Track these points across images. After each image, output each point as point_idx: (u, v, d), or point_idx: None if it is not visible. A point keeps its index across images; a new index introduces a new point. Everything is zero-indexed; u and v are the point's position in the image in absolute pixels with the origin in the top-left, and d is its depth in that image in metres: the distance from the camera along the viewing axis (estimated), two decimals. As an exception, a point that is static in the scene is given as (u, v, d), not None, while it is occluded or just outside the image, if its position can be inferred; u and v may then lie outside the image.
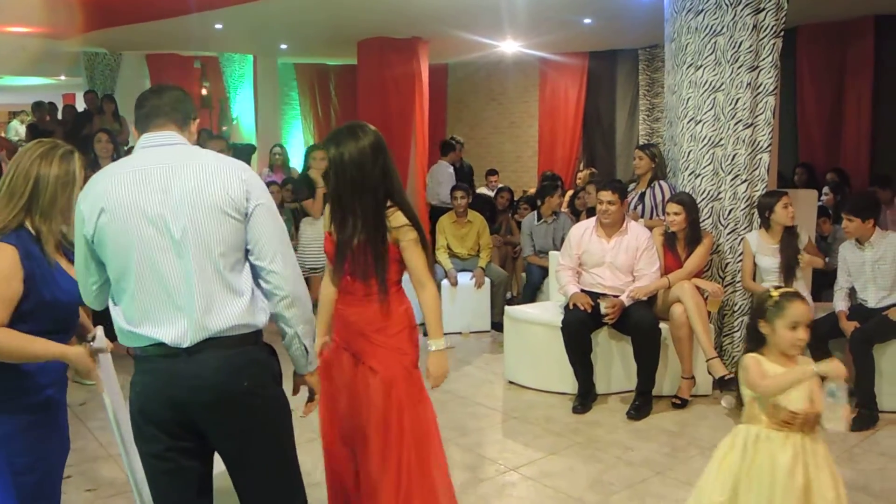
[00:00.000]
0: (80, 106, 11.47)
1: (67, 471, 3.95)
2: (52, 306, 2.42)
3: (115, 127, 9.66)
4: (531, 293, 6.87)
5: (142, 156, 2.20)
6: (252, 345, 2.20)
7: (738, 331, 5.29)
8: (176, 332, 2.10)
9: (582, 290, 4.98)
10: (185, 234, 2.09)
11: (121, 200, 2.11)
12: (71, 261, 2.51)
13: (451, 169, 9.62)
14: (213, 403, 2.14)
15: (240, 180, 2.16)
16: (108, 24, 9.17)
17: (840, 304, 4.89)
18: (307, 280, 5.67)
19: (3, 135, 12.81)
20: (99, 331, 2.51)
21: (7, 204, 2.40)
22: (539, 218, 7.05)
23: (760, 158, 5.16)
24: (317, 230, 6.39)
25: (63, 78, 15.38)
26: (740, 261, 5.21)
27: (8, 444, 2.41)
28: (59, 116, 11.04)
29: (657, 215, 5.47)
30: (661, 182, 5.51)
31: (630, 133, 11.36)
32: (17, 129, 15.97)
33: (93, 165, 6.00)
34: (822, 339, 4.70)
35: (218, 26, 9.27)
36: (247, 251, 2.21)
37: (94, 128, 9.41)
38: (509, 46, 10.67)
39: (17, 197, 2.41)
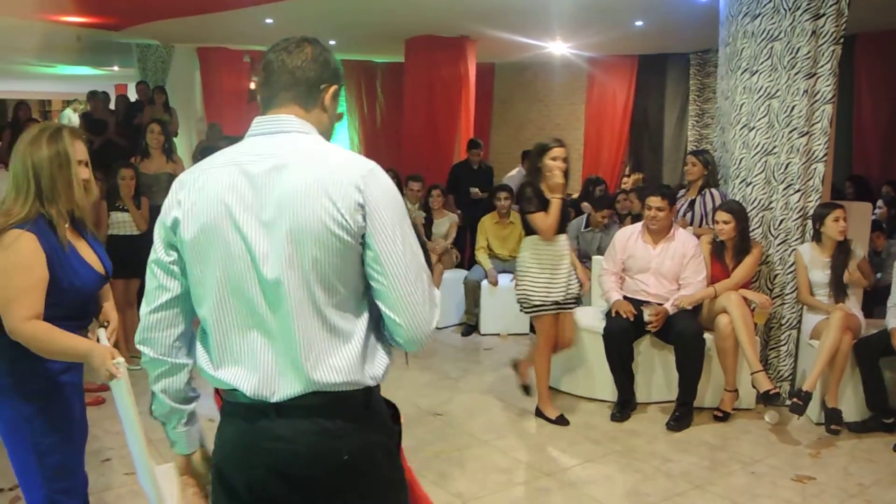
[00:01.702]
0: (133, 96, 11.65)
1: (107, 453, 4.05)
2: (67, 292, 2.43)
3: (165, 117, 9.79)
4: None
5: (245, 146, 1.71)
6: (361, 406, 1.68)
7: (784, 345, 5.16)
8: (259, 380, 1.63)
9: (625, 297, 4.90)
10: (280, 255, 1.60)
11: (208, 201, 1.64)
12: (87, 241, 2.58)
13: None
14: (300, 478, 1.65)
15: (354, 188, 1.59)
16: (162, 15, 9.29)
17: (893, 321, 4.73)
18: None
19: None
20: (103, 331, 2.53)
21: (17, 198, 2.41)
22: (587, 225, 7.03)
23: (815, 168, 5.03)
24: (552, 254, 4.57)
25: (116, 69, 15.67)
26: (790, 273, 5.08)
27: (31, 426, 2.45)
28: (112, 107, 11.21)
29: (706, 224, 5.35)
30: (713, 190, 5.40)
31: (678, 139, 11.21)
32: (70, 118, 16.31)
33: (144, 154, 6.09)
34: (873, 357, 4.56)
35: (268, 21, 9.34)
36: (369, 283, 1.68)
37: (145, 118, 9.56)
38: (558, 48, 10.58)
39: (24, 189, 2.41)
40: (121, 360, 2.35)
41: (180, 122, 10.51)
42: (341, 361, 1.63)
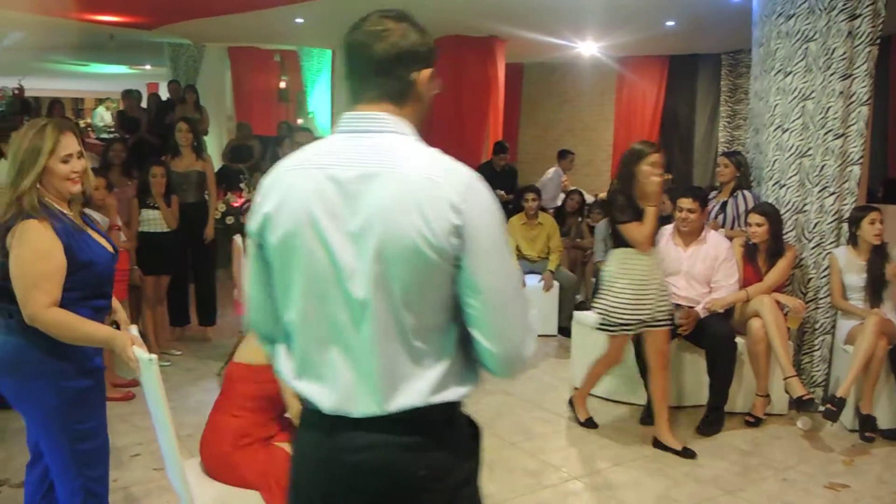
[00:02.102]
0: (164, 95, 11.78)
1: (136, 448, 4.09)
2: (88, 268, 2.50)
3: (195, 116, 9.88)
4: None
5: (330, 146, 1.56)
6: (444, 422, 1.58)
7: (818, 349, 5.09)
8: (338, 400, 1.54)
9: (655, 299, 4.86)
10: (368, 274, 1.48)
11: (292, 206, 1.52)
12: (92, 228, 2.66)
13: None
14: (377, 491, 1.57)
15: (450, 208, 1.43)
16: (194, 15, 9.37)
17: (930, 326, 4.65)
18: None
19: (92, 134, 13.25)
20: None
21: (12, 188, 2.46)
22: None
23: (851, 171, 4.94)
24: (644, 268, 4.22)
25: (148, 67, 15.85)
26: (824, 276, 5.01)
27: (67, 413, 2.50)
28: (144, 105, 11.36)
29: (738, 226, 5.29)
30: (745, 192, 5.33)
31: (709, 140, 11.10)
32: (103, 116, 16.54)
33: (174, 153, 6.14)
34: (909, 363, 4.48)
35: (298, 20, 9.38)
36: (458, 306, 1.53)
37: (176, 117, 9.66)
38: (587, 48, 10.52)
39: (16, 180, 2.46)
40: (153, 356, 2.37)
41: (211, 121, 10.60)
42: (425, 385, 1.52)
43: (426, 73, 1.57)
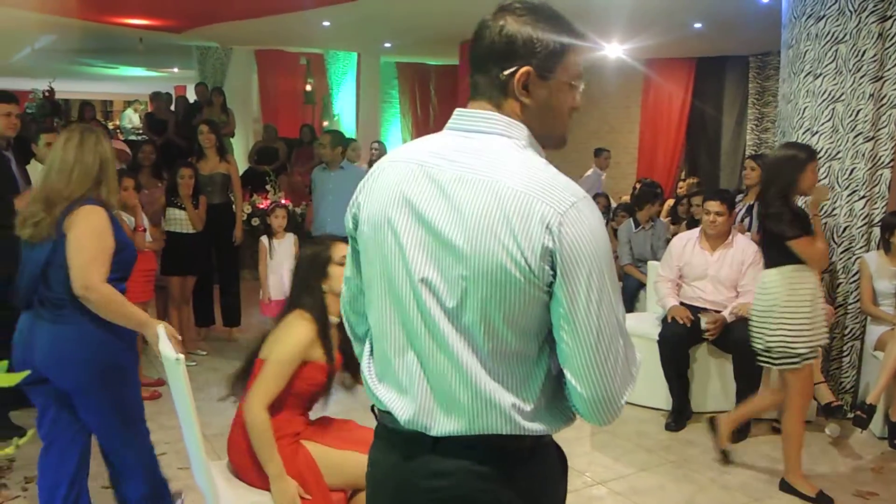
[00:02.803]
0: (192, 98, 11.90)
1: (163, 447, 4.10)
2: (123, 251, 2.80)
3: (222, 119, 9.96)
4: (627, 303, 6.71)
5: (435, 141, 1.47)
6: (526, 452, 1.45)
7: (847, 355, 5.02)
8: (416, 411, 1.43)
9: (681, 304, 4.82)
10: (445, 283, 1.38)
11: (384, 198, 1.45)
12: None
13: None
14: None
15: (544, 228, 1.29)
16: (222, 18, 9.46)
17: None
18: None
19: (120, 136, 13.41)
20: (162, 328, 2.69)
21: (80, 182, 2.76)
22: (637, 225, 6.89)
23: (881, 174, 4.88)
24: (813, 287, 3.83)
25: (175, 70, 16.02)
26: (853, 282, 4.94)
27: (124, 391, 2.85)
28: (173, 107, 11.48)
29: None
30: None
31: (737, 143, 11.01)
32: (131, 118, 16.73)
33: (199, 155, 6.19)
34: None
35: (325, 24, 9.44)
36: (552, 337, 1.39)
37: (201, 119, 9.75)
38: (613, 50, 10.48)
39: (91, 175, 2.78)
40: (181, 356, 2.39)
41: (237, 123, 10.69)
42: (506, 411, 1.38)
43: (523, 71, 1.40)
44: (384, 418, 1.52)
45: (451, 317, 1.37)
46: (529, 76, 1.41)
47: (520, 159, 1.37)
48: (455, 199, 1.36)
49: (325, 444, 2.72)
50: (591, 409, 1.37)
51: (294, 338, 2.65)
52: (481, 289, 1.33)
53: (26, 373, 0.69)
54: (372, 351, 1.57)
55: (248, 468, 2.72)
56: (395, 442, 1.50)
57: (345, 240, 2.69)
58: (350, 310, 1.66)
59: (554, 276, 1.31)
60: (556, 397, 1.44)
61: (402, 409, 1.45)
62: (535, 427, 1.41)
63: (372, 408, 1.58)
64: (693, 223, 6.66)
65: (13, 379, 0.57)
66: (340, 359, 2.84)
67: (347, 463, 2.65)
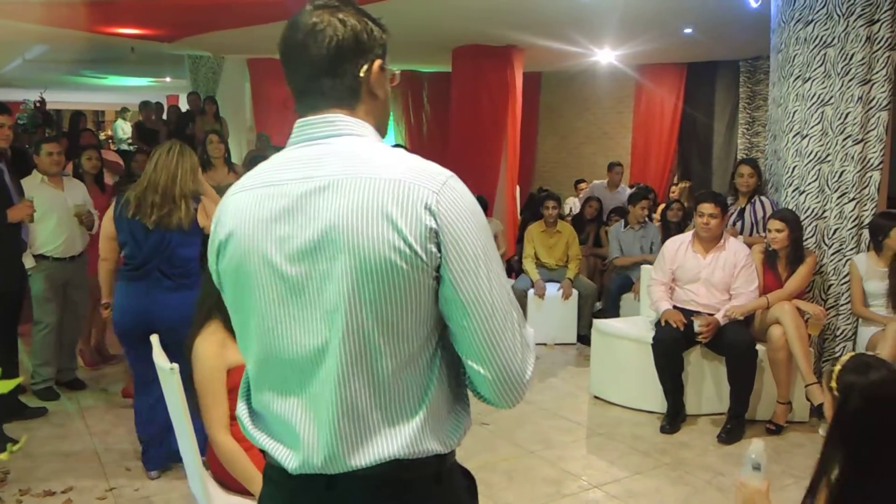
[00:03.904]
0: (185, 107, 11.90)
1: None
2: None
3: (215, 127, 9.97)
4: (610, 305, 6.81)
5: (283, 158, 1.37)
6: (431, 478, 1.36)
7: (839, 356, 5.02)
8: (303, 460, 1.32)
9: (675, 307, 4.84)
10: (327, 300, 1.27)
11: (242, 233, 1.34)
12: None
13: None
14: None
15: (424, 209, 1.24)
16: (214, 27, 9.46)
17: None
18: None
19: (112, 146, 13.40)
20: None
21: (186, 183, 3.71)
22: (626, 224, 7.02)
23: (871, 176, 4.91)
24: None
25: (168, 79, 16.00)
26: (844, 283, 4.97)
27: None
28: (164, 116, 11.48)
29: (757, 232, 5.26)
30: (762, 198, 5.31)
31: (728, 147, 11.04)
32: (123, 128, 16.70)
33: (205, 167, 6.16)
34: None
35: (317, 32, 9.45)
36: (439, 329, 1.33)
37: (196, 128, 9.74)
38: (605, 56, 10.52)
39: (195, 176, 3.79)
40: (175, 365, 2.39)
41: (230, 132, 10.68)
42: (402, 434, 1.30)
43: (376, 64, 1.36)
44: (271, 459, 1.40)
45: (335, 338, 1.26)
46: (380, 66, 1.38)
47: (381, 152, 1.31)
48: (321, 209, 1.26)
49: None
50: (499, 390, 1.32)
51: (203, 356, 2.61)
52: (370, 296, 1.24)
53: (19, 380, 0.70)
54: (248, 393, 1.45)
55: (231, 477, 2.72)
56: (285, 485, 1.38)
57: None
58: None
59: (440, 257, 1.25)
60: (450, 405, 1.36)
61: (289, 459, 1.34)
62: (434, 445, 1.32)
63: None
64: (682, 228, 6.74)
65: (6, 386, 0.57)
66: None
67: None
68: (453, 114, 10.15)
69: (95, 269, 5.36)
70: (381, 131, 1.42)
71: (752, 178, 5.35)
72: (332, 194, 1.27)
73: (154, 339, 2.67)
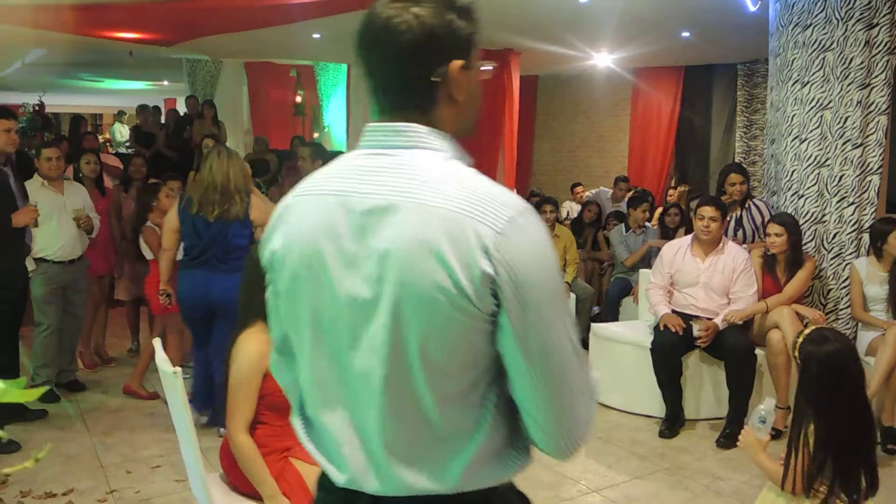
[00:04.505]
0: (182, 110, 11.90)
1: (157, 460, 4.12)
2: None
3: (213, 131, 9.96)
4: (610, 309, 6.82)
5: (350, 164, 1.27)
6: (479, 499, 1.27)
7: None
8: (352, 472, 1.28)
9: (673, 311, 4.84)
10: (371, 327, 1.19)
11: (301, 240, 1.25)
12: None
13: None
14: None
15: (481, 252, 1.11)
16: (212, 31, 9.48)
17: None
18: None
19: (110, 149, 13.40)
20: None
21: (238, 180, 4.27)
22: (627, 229, 7.03)
23: (870, 181, 4.93)
24: None
25: (165, 83, 16.01)
26: (843, 287, 4.98)
27: None
28: (163, 120, 11.47)
29: (759, 238, 5.26)
30: (756, 202, 5.31)
31: (726, 151, 11.07)
32: (121, 131, 16.70)
33: (199, 170, 6.16)
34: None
35: (316, 36, 9.46)
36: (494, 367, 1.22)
37: (194, 132, 9.74)
38: (602, 60, 10.54)
39: (245, 174, 4.38)
40: (178, 369, 2.39)
41: (228, 135, 10.68)
42: (451, 468, 1.22)
43: (456, 65, 1.22)
44: (322, 477, 1.38)
45: (383, 369, 1.19)
46: (462, 67, 1.23)
47: (446, 173, 1.18)
48: (378, 232, 1.17)
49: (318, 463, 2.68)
50: (556, 442, 1.22)
51: (245, 356, 2.60)
52: (417, 333, 1.15)
53: (45, 388, 0.70)
54: (302, 405, 1.40)
55: (241, 479, 2.72)
56: (335, 494, 1.33)
57: None
58: (276, 358, 1.44)
59: (498, 305, 1.13)
60: (507, 439, 1.26)
61: (337, 474, 1.30)
62: (485, 481, 1.25)
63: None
64: (665, 232, 6.77)
65: (32, 395, 0.58)
66: None
67: None
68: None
69: (95, 272, 5.43)
70: (462, 135, 1.29)
71: (743, 185, 5.35)
72: (388, 217, 1.16)
73: (157, 343, 2.67)
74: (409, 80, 1.22)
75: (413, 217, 1.14)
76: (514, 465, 1.28)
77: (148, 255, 5.06)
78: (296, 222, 1.27)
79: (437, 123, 1.24)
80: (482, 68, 1.31)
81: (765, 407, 2.60)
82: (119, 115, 17.53)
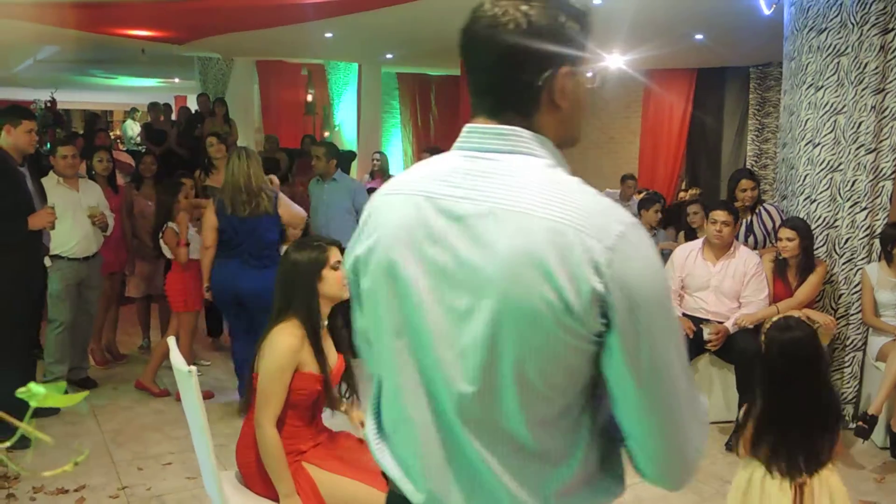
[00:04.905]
0: (194, 108, 11.94)
1: (169, 458, 4.13)
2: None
3: (224, 129, 9.99)
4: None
5: (445, 165, 1.20)
6: None
7: (848, 366, 5.04)
8: (429, 495, 1.22)
9: (684, 315, 4.84)
10: (461, 341, 1.13)
11: (387, 242, 1.19)
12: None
13: None
14: None
15: (591, 268, 1.03)
16: (225, 30, 9.50)
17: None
18: None
19: (121, 146, 13.46)
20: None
21: (259, 178, 4.71)
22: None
23: (883, 186, 4.91)
24: None
25: (176, 81, 16.06)
26: (855, 293, 4.96)
27: None
28: (174, 117, 11.52)
29: (770, 243, 5.24)
30: (767, 206, 5.29)
31: (737, 153, 11.04)
32: (133, 128, 16.76)
33: (207, 169, 6.17)
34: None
35: (328, 35, 9.48)
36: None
37: (205, 129, 9.77)
38: (614, 61, 10.52)
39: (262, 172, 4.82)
40: (193, 368, 2.41)
41: (239, 134, 10.71)
42: (542, 497, 1.15)
43: (564, 71, 1.15)
44: (394, 486, 1.31)
45: (476, 382, 1.11)
46: (567, 76, 1.16)
47: (550, 182, 1.10)
48: (475, 240, 1.10)
49: (330, 469, 2.67)
50: (664, 470, 1.15)
51: (279, 349, 2.61)
52: (511, 349, 1.08)
53: (86, 393, 0.70)
54: (378, 412, 1.33)
55: (256, 478, 2.73)
56: None
57: (338, 244, 2.75)
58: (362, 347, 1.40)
59: (605, 324, 1.05)
60: (601, 464, 1.20)
61: (413, 493, 1.24)
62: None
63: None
64: (690, 232, 6.70)
65: (74, 399, 0.58)
66: (342, 364, 2.83)
67: (349, 493, 2.61)
68: (462, 118, 10.16)
69: (106, 269, 5.45)
70: (566, 144, 1.21)
71: (753, 191, 5.33)
72: (488, 225, 1.09)
73: (171, 342, 2.68)
74: (512, 81, 1.15)
75: (516, 226, 1.07)
76: (607, 493, 1.21)
77: (169, 254, 5.07)
78: (382, 224, 1.21)
79: (538, 129, 1.16)
80: (588, 75, 1.24)
81: None
82: (131, 112, 17.61)
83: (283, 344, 2.61)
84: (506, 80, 1.15)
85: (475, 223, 1.10)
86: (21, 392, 0.54)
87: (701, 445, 1.16)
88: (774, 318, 2.92)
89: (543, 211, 1.06)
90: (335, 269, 2.73)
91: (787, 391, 2.59)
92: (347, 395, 2.88)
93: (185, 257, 4.98)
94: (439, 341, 1.15)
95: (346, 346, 2.85)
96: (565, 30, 1.14)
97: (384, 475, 1.33)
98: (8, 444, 0.59)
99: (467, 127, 1.20)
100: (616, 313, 1.04)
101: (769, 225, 5.27)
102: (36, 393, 0.53)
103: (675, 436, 1.12)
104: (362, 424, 2.76)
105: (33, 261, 4.43)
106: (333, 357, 2.79)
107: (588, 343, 1.07)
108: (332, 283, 2.72)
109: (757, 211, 5.33)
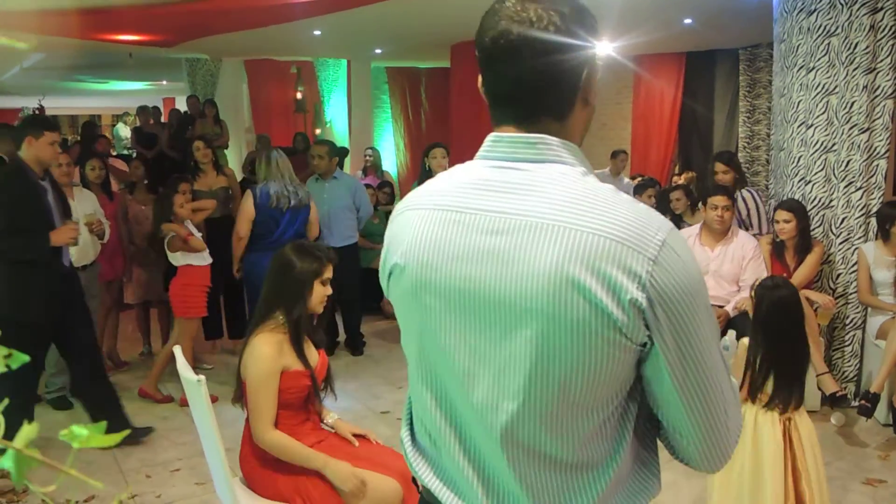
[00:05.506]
0: (183, 109, 11.90)
1: (176, 464, 4.14)
2: None
3: (215, 131, 9.97)
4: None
5: (474, 178, 1.15)
6: None
7: (849, 345, 5.07)
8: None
9: (684, 300, 4.85)
10: (499, 359, 1.10)
11: (417, 260, 1.16)
12: None
13: None
14: None
15: (632, 280, 1.01)
16: (213, 31, 9.46)
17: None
18: None
19: (113, 151, 13.42)
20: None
21: (290, 172, 5.25)
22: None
23: (877, 165, 4.92)
24: None
25: (165, 83, 16.00)
26: (853, 272, 4.99)
27: None
28: (163, 120, 11.47)
29: (749, 228, 5.26)
30: (744, 192, 5.32)
31: (729, 136, 11.05)
32: (124, 131, 16.73)
33: (194, 173, 6.12)
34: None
35: (316, 32, 9.45)
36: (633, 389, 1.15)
37: (195, 131, 9.74)
38: (603, 48, 10.48)
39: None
40: (202, 377, 2.41)
41: (230, 134, 10.69)
42: (582, 502, 1.15)
43: (595, 66, 1.14)
44: (427, 495, 1.29)
45: (510, 403, 1.09)
46: (596, 69, 1.14)
47: (586, 192, 1.06)
48: (512, 257, 1.06)
49: (341, 459, 2.68)
50: (707, 456, 1.16)
51: (260, 360, 2.62)
52: (555, 364, 1.05)
53: (127, 432, 0.71)
54: (412, 424, 1.32)
55: (260, 481, 2.74)
56: None
57: (334, 261, 2.79)
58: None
59: (649, 335, 1.04)
60: (637, 467, 1.21)
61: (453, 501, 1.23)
62: None
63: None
64: (675, 218, 6.72)
65: (115, 439, 0.59)
66: (325, 359, 2.86)
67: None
68: (453, 110, 10.16)
69: (103, 277, 5.44)
70: (581, 143, 1.19)
71: (726, 174, 5.35)
72: (525, 240, 1.05)
73: (177, 351, 2.69)
74: (553, 84, 1.10)
75: (554, 240, 1.03)
76: (646, 491, 1.22)
77: (176, 262, 4.98)
78: (411, 239, 1.17)
79: (569, 129, 1.14)
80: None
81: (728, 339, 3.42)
82: (122, 116, 17.58)
83: (263, 353, 2.63)
84: (547, 85, 1.10)
85: (508, 240, 1.07)
86: (63, 434, 0.55)
87: (738, 428, 1.18)
88: (762, 278, 3.24)
89: (581, 223, 1.03)
90: (324, 284, 2.75)
91: (779, 339, 2.95)
92: (323, 388, 2.89)
93: (202, 243, 4.97)
94: (473, 363, 1.12)
95: (323, 345, 2.92)
96: (592, 24, 1.12)
97: (414, 482, 1.36)
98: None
99: (493, 136, 1.15)
100: (660, 324, 1.03)
101: (744, 212, 5.28)
102: (78, 434, 0.53)
103: (718, 427, 1.13)
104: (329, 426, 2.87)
105: (51, 284, 4.08)
106: (314, 354, 2.82)
107: (632, 354, 1.06)
108: (316, 297, 2.76)
109: (734, 197, 5.34)
